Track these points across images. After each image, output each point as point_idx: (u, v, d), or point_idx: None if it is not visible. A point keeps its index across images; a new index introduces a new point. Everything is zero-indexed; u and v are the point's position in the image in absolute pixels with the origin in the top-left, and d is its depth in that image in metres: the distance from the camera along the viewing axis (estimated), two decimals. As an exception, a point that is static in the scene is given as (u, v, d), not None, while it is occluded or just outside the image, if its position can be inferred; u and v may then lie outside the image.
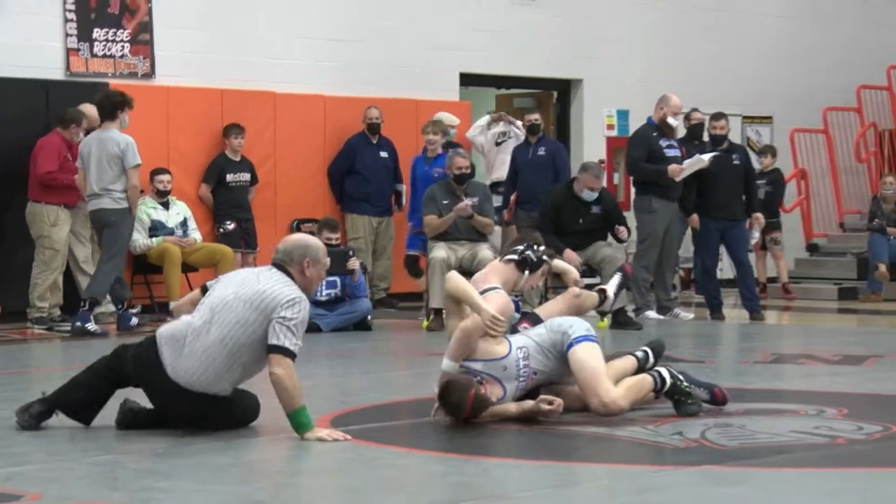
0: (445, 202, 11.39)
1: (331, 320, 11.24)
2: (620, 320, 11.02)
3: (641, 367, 6.55)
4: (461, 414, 6.14)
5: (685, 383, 6.43)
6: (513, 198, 12.92)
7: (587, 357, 6.29)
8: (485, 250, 11.31)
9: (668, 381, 6.40)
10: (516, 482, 5.13)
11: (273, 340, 5.92)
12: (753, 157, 14.81)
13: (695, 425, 6.11)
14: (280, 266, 6.21)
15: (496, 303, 6.52)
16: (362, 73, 13.72)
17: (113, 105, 10.94)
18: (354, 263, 11.30)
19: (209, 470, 5.49)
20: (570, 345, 6.33)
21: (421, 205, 11.64)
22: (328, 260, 6.40)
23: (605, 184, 13.98)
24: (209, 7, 13.10)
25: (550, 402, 6.21)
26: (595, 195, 11.32)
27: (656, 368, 6.49)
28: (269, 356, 5.93)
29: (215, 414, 6.15)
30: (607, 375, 6.29)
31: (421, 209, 11.62)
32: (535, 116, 13.01)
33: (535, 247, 6.85)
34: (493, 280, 6.74)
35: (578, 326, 6.40)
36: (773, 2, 16.86)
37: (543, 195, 11.76)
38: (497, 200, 12.57)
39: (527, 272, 6.82)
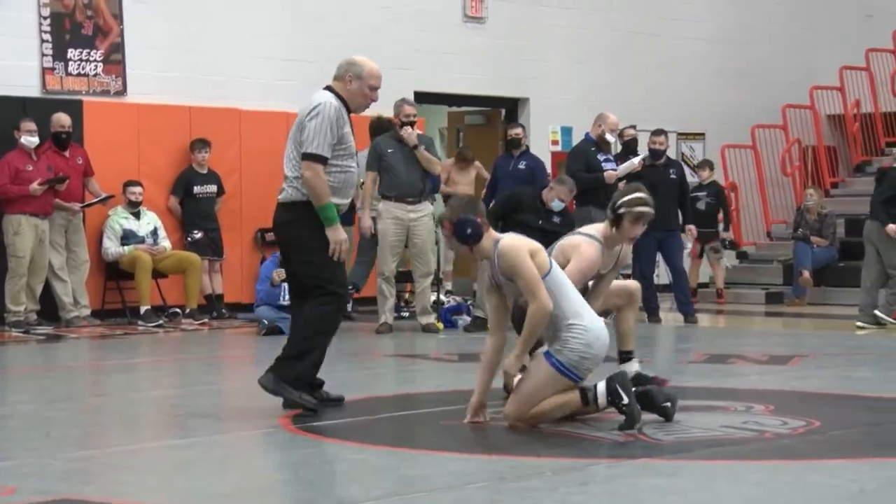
0: (391, 150, 11.25)
1: (293, 323, 11.18)
2: None
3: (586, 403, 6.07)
4: None
5: (623, 402, 5.92)
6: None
7: (532, 377, 6.01)
8: (424, 227, 11.25)
9: (603, 402, 5.99)
10: (464, 475, 5.12)
11: (303, 148, 6.45)
12: (688, 170, 14.90)
13: (632, 421, 6.11)
14: (332, 82, 6.56)
15: (580, 253, 6.68)
16: (323, 91, 13.67)
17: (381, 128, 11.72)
18: None
19: (176, 465, 5.45)
20: (547, 354, 6.03)
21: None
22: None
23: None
24: (178, 29, 13.02)
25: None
26: (562, 206, 11.33)
27: (598, 385, 6.04)
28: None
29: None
30: (537, 401, 5.97)
31: None
32: (517, 131, 12.90)
33: (615, 202, 6.77)
34: (592, 231, 6.87)
35: (570, 354, 5.94)
36: (704, 27, 16.98)
37: (510, 191, 11.57)
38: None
39: (613, 228, 6.80)
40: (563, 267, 6.59)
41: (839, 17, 17.79)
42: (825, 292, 14.87)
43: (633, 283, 7.04)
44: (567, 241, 6.93)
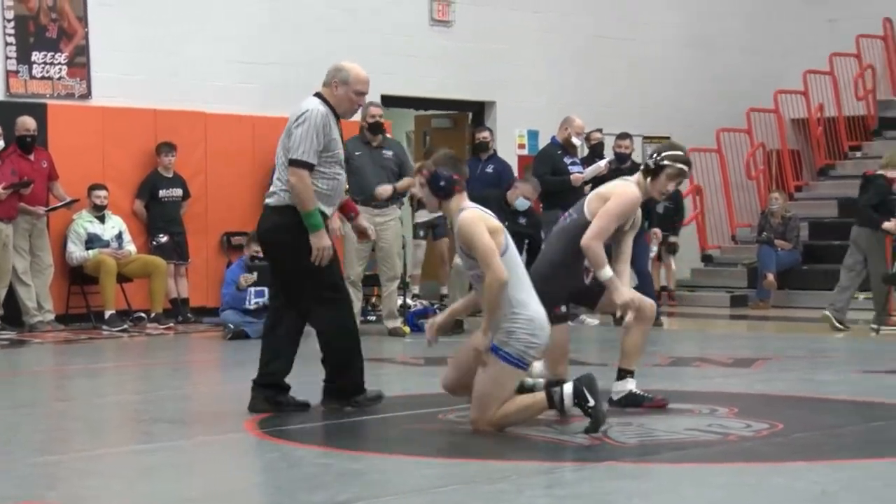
0: (358, 153, 11.26)
1: (258, 327, 11.09)
2: None
3: (552, 406, 6.00)
4: None
5: (589, 404, 5.87)
6: None
7: (485, 377, 6.00)
8: (391, 231, 11.27)
9: (568, 404, 5.90)
10: (431, 479, 5.13)
11: (289, 155, 6.52)
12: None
13: (598, 424, 6.13)
14: (321, 88, 6.69)
15: (619, 192, 6.56)
16: (288, 95, 13.64)
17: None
18: None
19: (141, 470, 5.44)
20: (490, 347, 6.04)
21: None
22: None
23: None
24: (143, 32, 12.96)
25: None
26: (527, 204, 11.34)
27: (565, 386, 5.94)
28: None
29: None
30: (497, 401, 5.96)
31: None
32: (484, 135, 12.99)
33: (657, 154, 6.63)
34: (627, 178, 6.75)
35: (517, 345, 5.97)
36: (670, 31, 17.05)
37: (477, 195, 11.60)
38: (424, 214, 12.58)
39: (649, 178, 6.64)
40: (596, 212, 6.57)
41: (803, 22, 17.92)
42: (789, 295, 14.97)
43: (650, 302, 6.79)
44: (602, 187, 6.85)
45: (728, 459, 5.50)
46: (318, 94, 6.73)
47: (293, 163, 6.51)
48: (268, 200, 6.71)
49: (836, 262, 15.25)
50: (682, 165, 6.65)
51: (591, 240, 6.53)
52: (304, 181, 6.49)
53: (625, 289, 6.60)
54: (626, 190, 6.65)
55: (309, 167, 6.51)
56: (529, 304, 6.06)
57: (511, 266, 6.06)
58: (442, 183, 6.14)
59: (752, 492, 4.91)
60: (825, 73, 17.55)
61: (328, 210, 6.69)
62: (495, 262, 5.95)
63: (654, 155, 6.68)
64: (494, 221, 6.11)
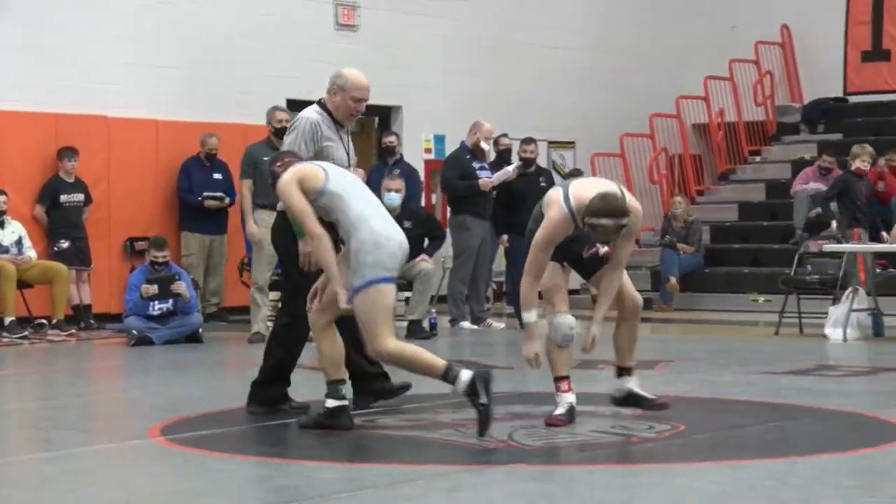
0: (266, 158, 11.16)
1: (163, 333, 11.07)
2: (413, 329, 11.19)
3: (444, 377, 5.96)
4: None
5: (481, 401, 5.83)
6: None
7: (361, 306, 6.01)
8: None
9: (460, 390, 5.87)
10: (335, 484, 5.12)
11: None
12: (559, 178, 15.10)
13: (503, 427, 6.17)
14: (325, 94, 6.76)
15: (547, 218, 6.23)
16: (192, 98, 13.54)
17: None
18: (179, 287, 11.15)
19: (42, 478, 5.36)
20: (354, 291, 6.02)
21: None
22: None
23: (423, 202, 14.11)
24: (42, 35, 12.76)
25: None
26: (396, 197, 11.28)
27: (464, 372, 5.89)
28: None
29: None
30: (380, 322, 5.98)
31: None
32: (391, 139, 13.03)
33: (583, 214, 6.13)
34: (573, 197, 6.26)
35: (366, 269, 6.00)
36: (574, 37, 17.20)
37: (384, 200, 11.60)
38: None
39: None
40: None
41: (704, 29, 18.18)
42: (691, 298, 15.18)
43: (636, 299, 6.74)
44: (550, 193, 6.43)
45: (631, 460, 5.57)
46: (319, 100, 6.82)
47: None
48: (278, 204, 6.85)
49: (736, 264, 15.62)
50: (598, 236, 6.32)
51: (525, 277, 6.36)
52: (287, 189, 6.50)
53: (532, 344, 6.37)
54: (551, 216, 6.26)
55: None
56: (360, 226, 6.07)
57: (334, 196, 6.10)
58: (269, 180, 6.36)
59: (655, 492, 4.97)
60: (725, 79, 17.83)
61: None
62: (308, 222, 6.10)
63: (582, 214, 6.16)
64: (306, 169, 6.19)
